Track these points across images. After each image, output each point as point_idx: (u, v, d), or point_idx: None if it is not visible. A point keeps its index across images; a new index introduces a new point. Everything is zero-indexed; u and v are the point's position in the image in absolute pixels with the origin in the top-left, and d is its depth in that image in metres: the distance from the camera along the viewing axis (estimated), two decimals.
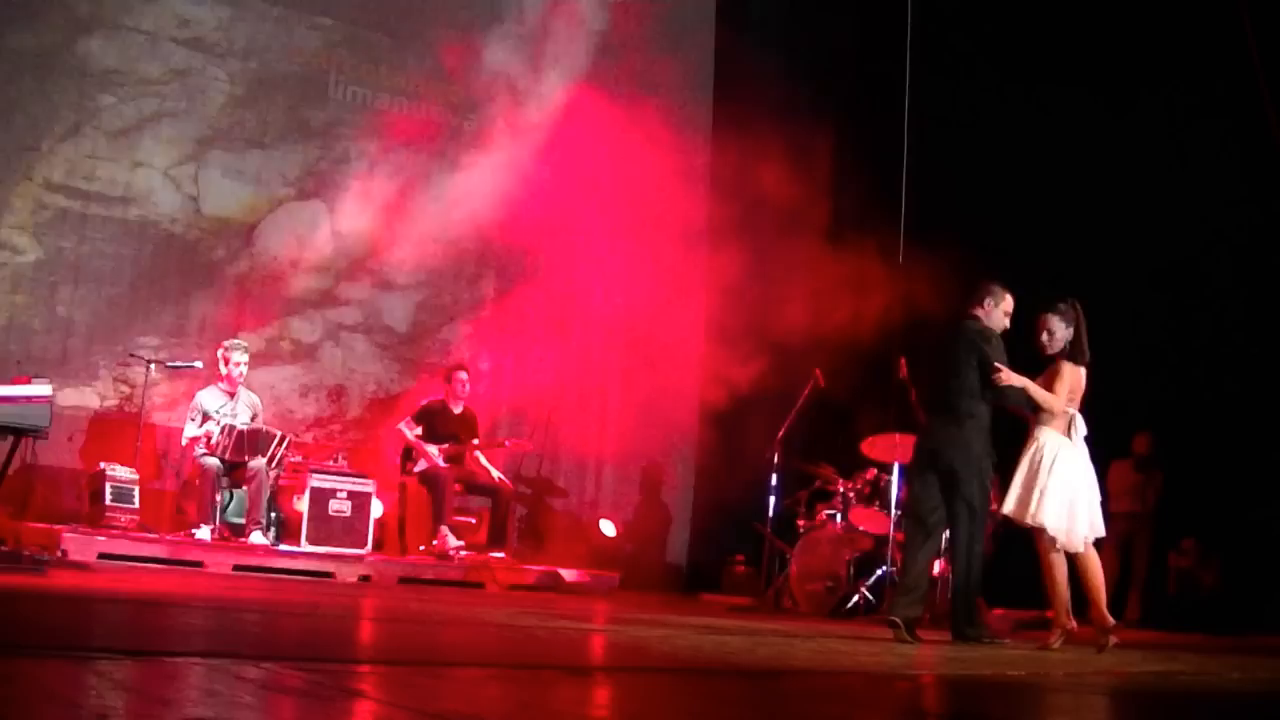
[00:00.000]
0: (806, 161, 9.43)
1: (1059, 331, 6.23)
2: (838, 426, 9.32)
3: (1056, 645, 6.07)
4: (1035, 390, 6.14)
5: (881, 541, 8.80)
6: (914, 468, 6.56)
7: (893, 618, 6.13)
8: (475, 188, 10.63)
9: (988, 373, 6.14)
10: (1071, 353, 6.20)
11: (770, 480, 9.10)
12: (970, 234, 9.36)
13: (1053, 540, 6.07)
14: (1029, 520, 6.06)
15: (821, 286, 9.22)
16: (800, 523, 9.10)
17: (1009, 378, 6.11)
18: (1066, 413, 6.15)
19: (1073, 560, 6.14)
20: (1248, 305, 9.02)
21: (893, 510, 8.65)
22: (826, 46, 10.26)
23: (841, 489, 9.02)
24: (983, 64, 10.13)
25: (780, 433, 9.09)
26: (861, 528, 8.90)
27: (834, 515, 8.97)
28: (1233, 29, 7.81)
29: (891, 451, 8.79)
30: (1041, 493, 6.03)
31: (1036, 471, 6.07)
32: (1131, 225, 9.06)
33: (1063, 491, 6.04)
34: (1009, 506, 6.13)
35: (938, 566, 8.47)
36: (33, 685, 2.45)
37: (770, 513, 9.09)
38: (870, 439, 9.03)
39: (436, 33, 10.88)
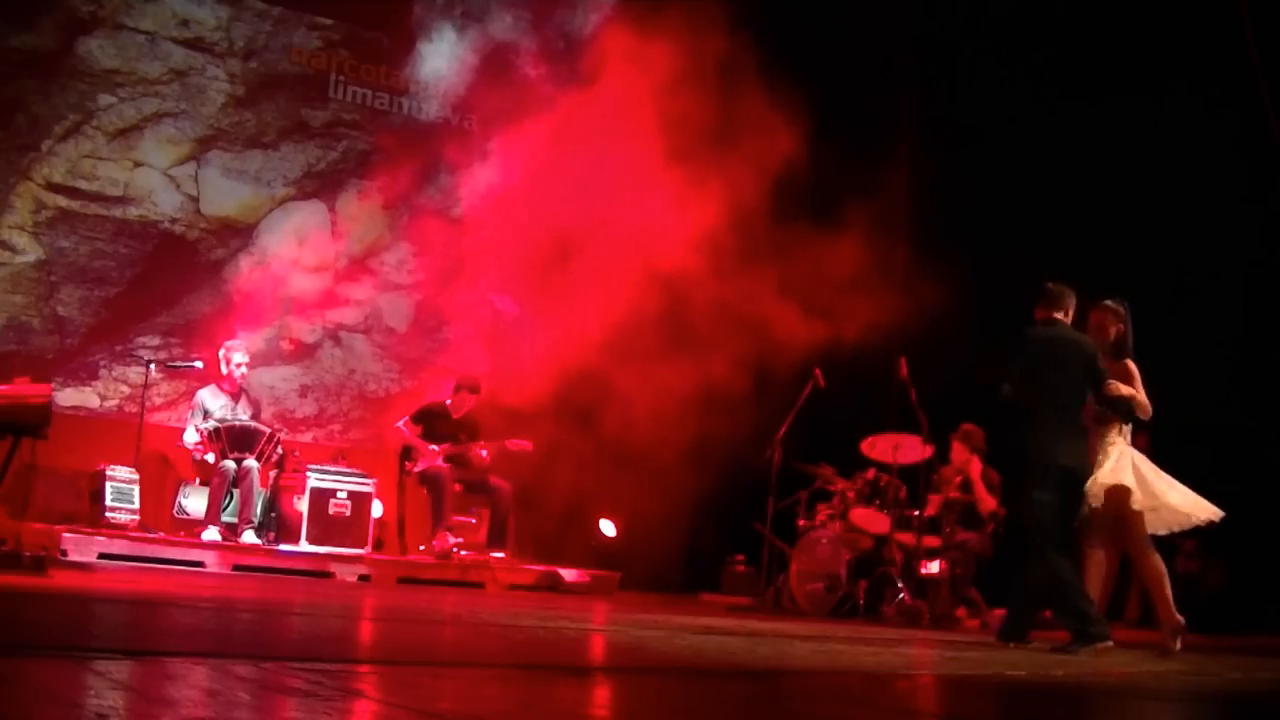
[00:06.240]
0: (806, 156, 9.43)
1: (1117, 332, 6.29)
2: (838, 426, 9.31)
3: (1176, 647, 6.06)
4: (1141, 399, 6.19)
5: (881, 541, 8.82)
6: (1042, 482, 6.19)
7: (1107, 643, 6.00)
8: (476, 184, 10.63)
9: (1098, 385, 6.16)
10: (1130, 353, 6.24)
11: (770, 480, 9.10)
12: (971, 232, 9.37)
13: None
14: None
15: (822, 284, 9.22)
16: (800, 523, 9.11)
17: (1121, 390, 6.15)
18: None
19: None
20: (1248, 304, 9.02)
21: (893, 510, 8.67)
22: (826, 37, 10.25)
23: (841, 489, 9.03)
24: (986, 63, 10.13)
25: (780, 433, 9.09)
26: (861, 528, 8.90)
27: (834, 515, 8.97)
28: (1233, 29, 7.81)
29: (891, 451, 8.80)
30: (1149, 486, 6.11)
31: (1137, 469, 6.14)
32: (1131, 224, 9.06)
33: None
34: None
35: (936, 566, 8.49)
36: (33, 685, 2.45)
37: (770, 513, 9.08)
38: (870, 439, 9.04)
39: (434, 28, 10.86)
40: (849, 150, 9.53)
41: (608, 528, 10.66)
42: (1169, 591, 6.13)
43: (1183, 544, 9.34)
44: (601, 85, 9.82)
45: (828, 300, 9.22)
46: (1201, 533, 9.18)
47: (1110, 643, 5.96)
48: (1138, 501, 6.10)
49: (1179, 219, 8.84)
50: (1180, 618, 6.09)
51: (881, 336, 9.24)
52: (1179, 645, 6.07)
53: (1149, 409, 6.22)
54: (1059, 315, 6.35)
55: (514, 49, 10.93)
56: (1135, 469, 6.18)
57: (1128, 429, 6.30)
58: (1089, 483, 6.13)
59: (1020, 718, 3.62)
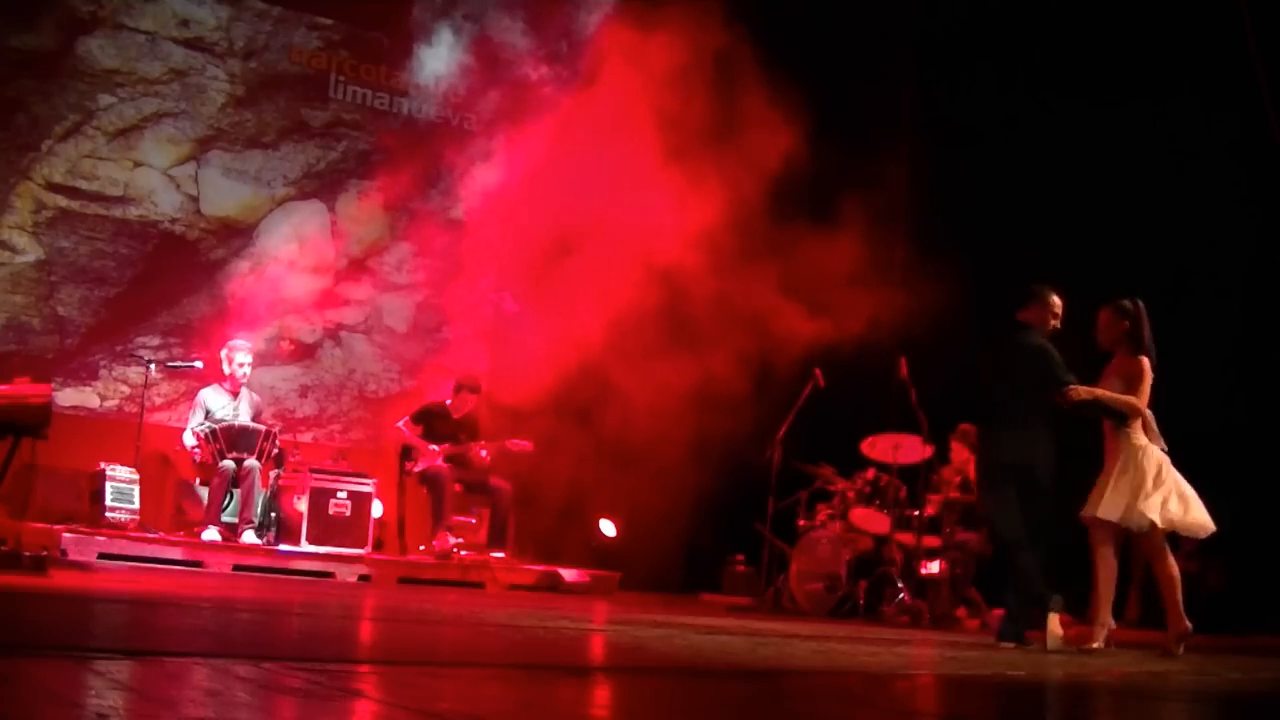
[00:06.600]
0: (806, 154, 9.42)
1: (1121, 330, 6.28)
2: (838, 426, 9.31)
3: (1099, 646, 6.05)
4: (1112, 397, 6.15)
5: (881, 541, 8.82)
6: (990, 480, 6.53)
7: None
8: (476, 185, 10.62)
9: (1058, 387, 6.16)
10: (1147, 349, 6.22)
11: (770, 480, 9.10)
12: (971, 232, 9.36)
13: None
14: (1139, 520, 6.04)
15: (821, 283, 9.22)
16: (800, 523, 9.11)
17: (1080, 392, 6.13)
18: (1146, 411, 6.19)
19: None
20: (1248, 304, 9.02)
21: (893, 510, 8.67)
22: (827, 35, 10.25)
23: (841, 489, 9.03)
24: (985, 64, 10.13)
25: (780, 433, 9.09)
26: (861, 528, 8.90)
27: (834, 515, 8.97)
28: (1233, 29, 7.81)
29: (891, 451, 8.80)
30: (1164, 496, 6.06)
31: (1149, 475, 6.09)
32: (1131, 225, 9.06)
33: (1180, 488, 6.13)
34: (1114, 513, 6.04)
35: (936, 566, 8.49)
36: (33, 685, 2.45)
37: (770, 513, 9.09)
38: (870, 439, 9.04)
39: (434, 29, 10.85)
40: (849, 149, 9.52)
41: (607, 528, 10.66)
42: (1180, 596, 6.14)
43: (1183, 544, 9.34)
44: (602, 84, 9.81)
45: (828, 299, 9.22)
46: None
47: (1060, 598, 6.11)
48: (1169, 510, 6.10)
49: (1179, 219, 8.84)
50: (1188, 624, 6.12)
51: (882, 336, 9.24)
52: (1181, 650, 6.08)
53: (1135, 406, 6.14)
54: (1027, 316, 6.46)
55: (513, 49, 10.92)
56: (1166, 474, 6.14)
57: (1154, 426, 6.25)
58: (1129, 495, 6.10)
59: (1020, 718, 3.62)
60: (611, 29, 10.33)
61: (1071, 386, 6.14)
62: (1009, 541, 6.36)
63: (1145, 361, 6.19)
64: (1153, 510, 6.01)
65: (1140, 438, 6.16)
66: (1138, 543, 9.80)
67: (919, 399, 8.60)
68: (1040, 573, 6.20)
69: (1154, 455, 6.15)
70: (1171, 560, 6.20)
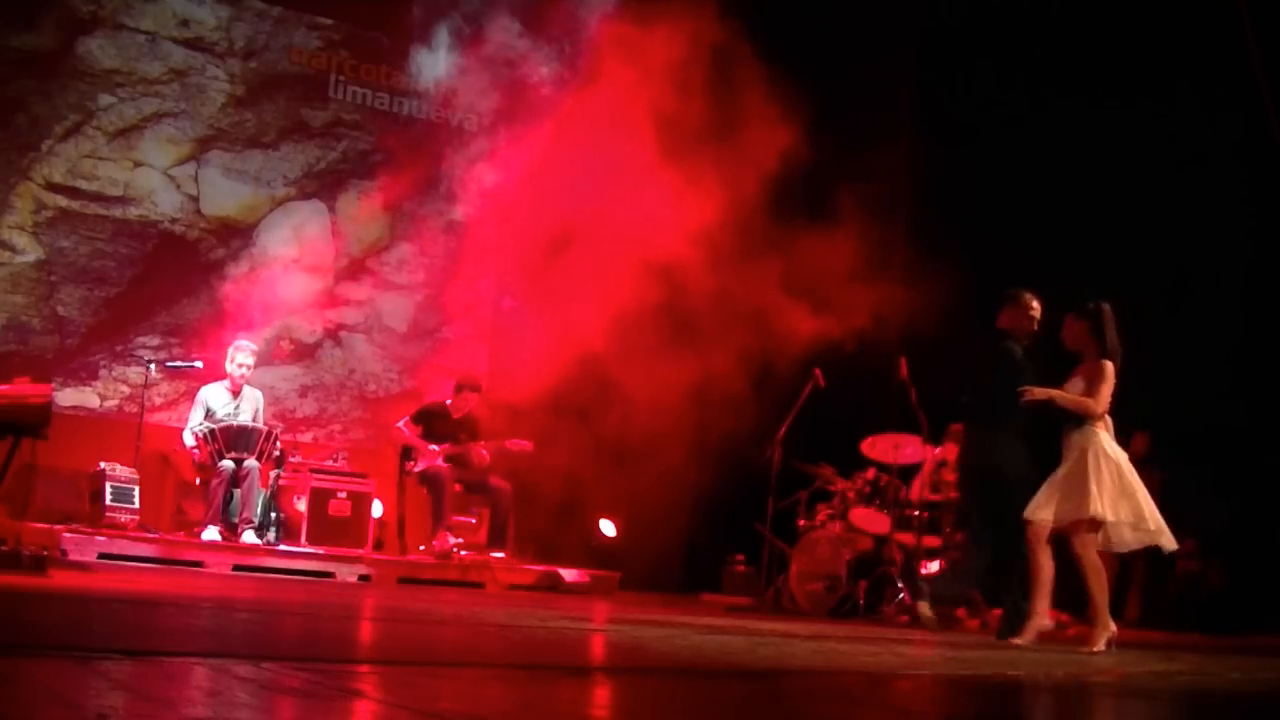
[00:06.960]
0: (807, 152, 9.41)
1: (1082, 332, 6.29)
2: (838, 426, 9.31)
3: (1101, 648, 6.06)
4: (1066, 398, 6.17)
5: (881, 541, 8.82)
6: (963, 483, 6.92)
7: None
8: (476, 184, 10.62)
9: (1017, 389, 6.21)
10: (1110, 353, 6.23)
11: (770, 480, 9.10)
12: (972, 231, 9.36)
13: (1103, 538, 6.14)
14: (1111, 516, 6.06)
15: (822, 283, 9.21)
16: (800, 523, 9.11)
17: (1036, 394, 6.15)
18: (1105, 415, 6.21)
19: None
20: (1247, 305, 9.02)
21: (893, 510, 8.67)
22: (827, 32, 10.25)
23: (841, 489, 9.03)
24: (985, 63, 10.13)
25: (780, 433, 9.09)
26: (861, 528, 8.90)
27: (834, 515, 8.97)
28: (1233, 28, 7.81)
29: (891, 451, 8.80)
30: (1128, 494, 6.08)
31: (1115, 473, 6.10)
32: (1131, 225, 9.06)
33: (1141, 492, 6.15)
34: (1095, 509, 6.05)
35: (936, 566, 8.49)
36: (33, 685, 2.45)
37: (770, 513, 9.08)
38: (870, 439, 9.04)
39: (433, 28, 10.85)
40: (848, 145, 9.52)
41: (608, 528, 10.66)
42: (1048, 591, 6.22)
43: (1183, 544, 9.34)
44: (602, 83, 9.80)
45: (828, 297, 9.21)
46: (1202, 533, 9.19)
47: (926, 588, 6.64)
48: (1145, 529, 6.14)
49: (1179, 219, 8.84)
50: (1050, 621, 6.38)
51: (882, 335, 9.23)
52: (1028, 639, 6.14)
53: (1089, 407, 6.13)
54: (1005, 321, 6.55)
55: (513, 48, 10.92)
56: (1115, 477, 6.13)
57: (1105, 425, 6.26)
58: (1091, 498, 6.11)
59: (1020, 718, 3.62)
60: (610, 27, 10.32)
61: (1028, 388, 6.18)
62: (972, 539, 6.60)
63: (1108, 365, 6.19)
64: (1126, 534, 6.13)
65: (1104, 435, 6.18)
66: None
67: (919, 399, 8.60)
68: (979, 572, 6.48)
69: (1121, 455, 6.18)
70: (1048, 555, 6.23)
